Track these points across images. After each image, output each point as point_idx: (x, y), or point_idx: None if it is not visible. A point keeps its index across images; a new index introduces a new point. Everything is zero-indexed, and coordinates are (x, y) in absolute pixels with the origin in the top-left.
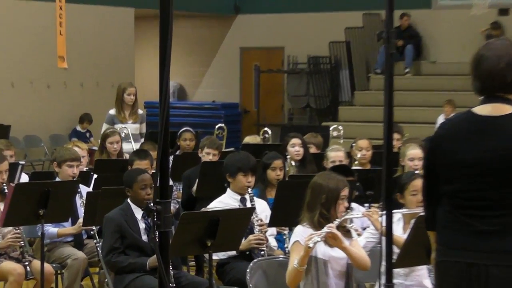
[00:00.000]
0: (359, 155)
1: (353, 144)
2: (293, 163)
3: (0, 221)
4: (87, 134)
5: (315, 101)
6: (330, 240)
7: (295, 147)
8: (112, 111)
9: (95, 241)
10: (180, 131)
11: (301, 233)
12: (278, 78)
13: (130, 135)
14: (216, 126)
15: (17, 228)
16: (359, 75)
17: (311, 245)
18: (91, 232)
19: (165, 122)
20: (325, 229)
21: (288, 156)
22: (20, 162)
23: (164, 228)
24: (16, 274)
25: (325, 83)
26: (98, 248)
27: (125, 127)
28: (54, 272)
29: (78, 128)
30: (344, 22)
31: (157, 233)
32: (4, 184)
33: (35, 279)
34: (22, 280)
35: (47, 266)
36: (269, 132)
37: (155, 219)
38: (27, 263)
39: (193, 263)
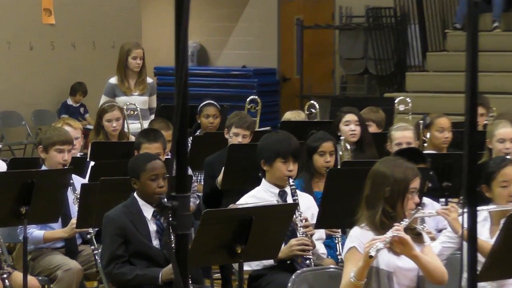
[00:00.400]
0: (428, 135)
1: (422, 121)
2: (347, 146)
3: None
4: (81, 110)
5: (375, 66)
6: (397, 246)
7: (350, 126)
8: (113, 80)
9: (92, 247)
10: (201, 105)
11: (359, 236)
12: (327, 36)
13: (139, 111)
14: (248, 99)
15: None
16: (433, 32)
17: (372, 253)
18: (87, 236)
19: (182, 93)
20: (390, 233)
21: (341, 137)
22: None
23: (182, 231)
24: None
25: (388, 42)
26: (96, 257)
27: (132, 103)
28: (40, 287)
29: (70, 101)
30: None
31: (173, 236)
32: None
33: None
34: None
35: (32, 280)
36: (317, 106)
37: (170, 218)
38: (5, 275)
39: (218, 275)
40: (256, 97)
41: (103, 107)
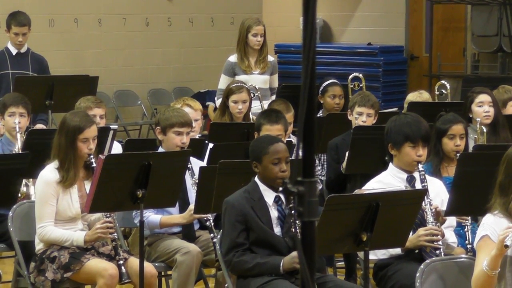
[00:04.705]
0: None
1: None
2: (484, 129)
3: (86, 205)
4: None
5: (510, 43)
6: None
7: (483, 107)
8: (233, 58)
9: (211, 235)
10: (325, 84)
11: (492, 224)
12: (458, 12)
13: (260, 91)
14: (350, 76)
15: (108, 215)
16: None
17: (508, 242)
18: (207, 223)
19: (310, 72)
20: None
21: (474, 119)
22: (112, 126)
23: (309, 218)
24: (107, 275)
25: None
26: (216, 245)
27: (252, 84)
28: (157, 274)
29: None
30: None
31: (297, 223)
32: (91, 156)
33: (132, 283)
34: (115, 284)
35: (148, 266)
36: (448, 86)
37: (297, 205)
38: (121, 261)
39: (341, 263)
40: (359, 74)
41: (230, 87)
